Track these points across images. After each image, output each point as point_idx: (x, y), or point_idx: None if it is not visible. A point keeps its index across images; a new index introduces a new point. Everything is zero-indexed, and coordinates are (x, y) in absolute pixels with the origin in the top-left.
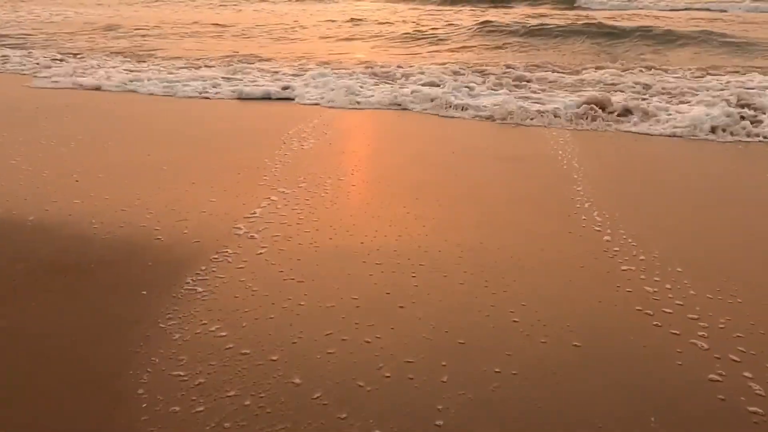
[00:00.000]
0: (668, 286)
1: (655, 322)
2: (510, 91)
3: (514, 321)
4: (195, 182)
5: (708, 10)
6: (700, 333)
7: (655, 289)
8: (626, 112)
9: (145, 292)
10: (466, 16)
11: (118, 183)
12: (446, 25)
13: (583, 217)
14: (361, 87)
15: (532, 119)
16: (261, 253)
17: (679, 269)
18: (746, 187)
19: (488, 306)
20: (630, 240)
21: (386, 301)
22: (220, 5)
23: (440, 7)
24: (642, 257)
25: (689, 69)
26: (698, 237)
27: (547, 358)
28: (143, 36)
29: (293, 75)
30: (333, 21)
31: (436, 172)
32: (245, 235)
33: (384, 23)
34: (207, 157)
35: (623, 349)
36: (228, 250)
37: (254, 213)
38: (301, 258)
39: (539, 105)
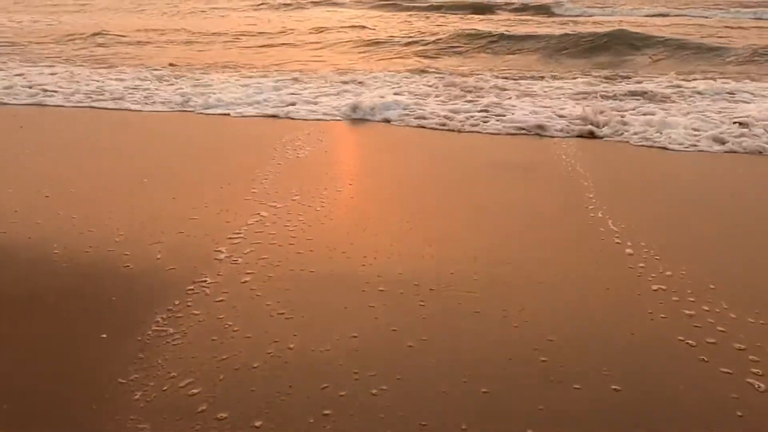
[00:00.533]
0: (705, 308)
1: (700, 356)
2: (485, 99)
3: (542, 361)
4: (176, 197)
5: (687, 16)
6: (754, 369)
7: (692, 312)
8: (605, 123)
9: (105, 335)
10: (445, 23)
11: (91, 198)
12: (425, 33)
13: (601, 229)
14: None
15: (521, 129)
16: (245, 282)
17: (712, 286)
18: (751, 196)
19: (510, 343)
20: (653, 253)
21: (391, 340)
22: (201, 11)
23: (426, 13)
24: (669, 272)
25: (671, 75)
26: (718, 247)
27: (584, 409)
28: (116, 44)
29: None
30: (316, 28)
31: (438, 183)
32: (227, 259)
33: (365, 29)
34: (193, 168)
35: (671, 395)
36: (206, 278)
37: (239, 233)
38: (290, 287)
39: (521, 114)
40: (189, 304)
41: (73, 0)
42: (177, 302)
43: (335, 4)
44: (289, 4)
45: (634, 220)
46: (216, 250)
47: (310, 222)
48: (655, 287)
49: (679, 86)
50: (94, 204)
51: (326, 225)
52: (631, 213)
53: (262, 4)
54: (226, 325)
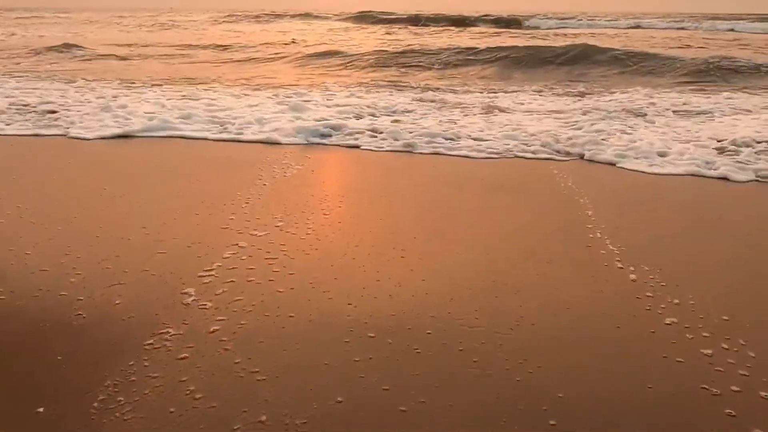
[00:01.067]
0: (724, 345)
1: (728, 410)
2: (462, 118)
3: (552, 425)
4: (145, 227)
5: (662, 28)
6: None
7: (710, 352)
8: (584, 142)
9: (41, 409)
10: (420, 36)
11: (51, 230)
12: (398, 45)
13: (602, 252)
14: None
15: (504, 150)
16: (214, 331)
17: (725, 317)
18: (742, 216)
19: (515, 403)
20: (658, 279)
21: (382, 403)
22: (177, 24)
23: (403, 25)
24: (677, 301)
25: (648, 89)
26: (719, 271)
27: None
28: (86, 60)
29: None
30: (290, 41)
31: (429, 207)
32: (195, 303)
33: (338, 41)
34: (170, 192)
35: None
36: (169, 329)
37: (210, 270)
38: (264, 339)
39: (502, 134)
40: (146, 364)
41: (52, 13)
42: (132, 362)
43: (311, 15)
44: (270, 14)
45: (632, 240)
46: (183, 293)
47: (293, 254)
48: (667, 321)
49: (652, 99)
50: (53, 237)
51: (311, 255)
52: (627, 234)
53: (242, 15)
54: (188, 391)
